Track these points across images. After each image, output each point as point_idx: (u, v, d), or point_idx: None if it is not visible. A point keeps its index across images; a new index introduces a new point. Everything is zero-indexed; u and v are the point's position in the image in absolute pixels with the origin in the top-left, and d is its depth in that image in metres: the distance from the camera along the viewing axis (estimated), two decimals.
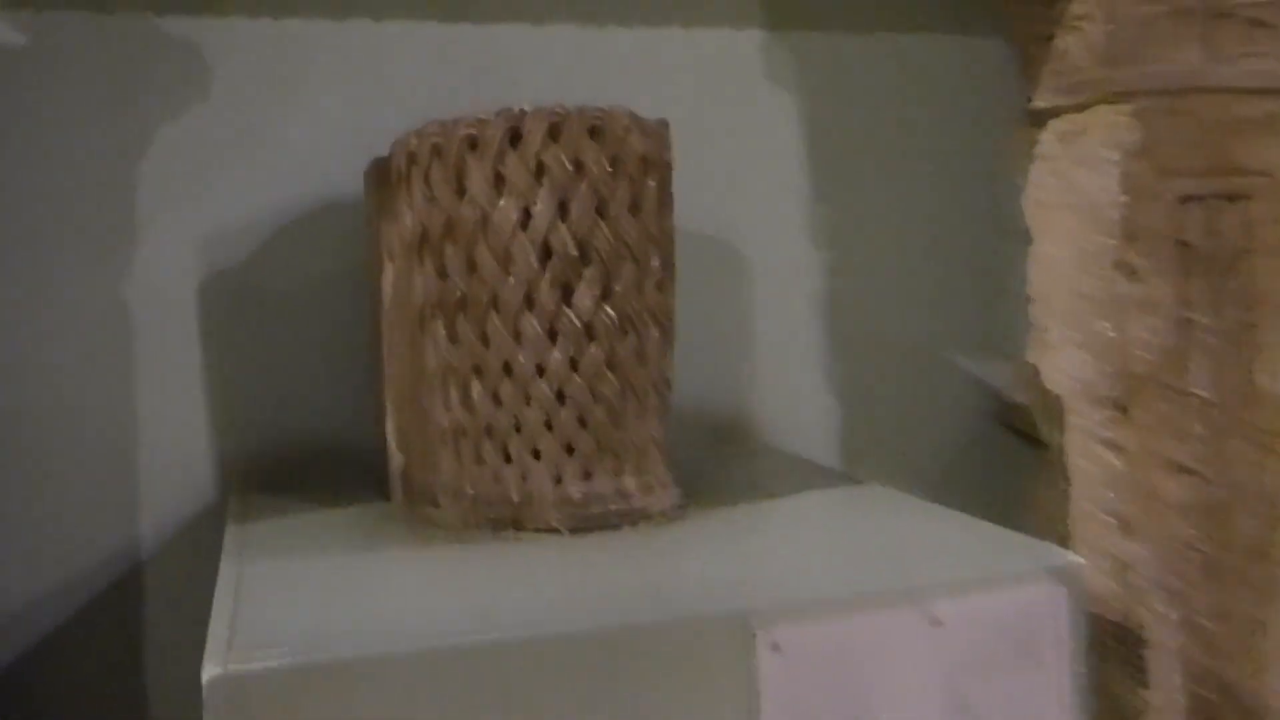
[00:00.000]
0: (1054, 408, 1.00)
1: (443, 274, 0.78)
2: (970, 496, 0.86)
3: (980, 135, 1.11)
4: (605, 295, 0.77)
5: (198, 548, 0.91)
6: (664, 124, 0.83)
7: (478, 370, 0.77)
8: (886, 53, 1.11)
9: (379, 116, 0.88)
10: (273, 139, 0.96)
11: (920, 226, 1.12)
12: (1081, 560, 0.69)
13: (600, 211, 0.77)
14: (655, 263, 0.80)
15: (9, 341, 0.91)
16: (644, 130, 0.79)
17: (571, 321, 0.76)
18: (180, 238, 0.95)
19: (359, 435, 0.94)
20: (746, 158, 1.08)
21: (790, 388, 1.09)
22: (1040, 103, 1.00)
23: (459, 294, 0.77)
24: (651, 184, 0.79)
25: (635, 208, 0.78)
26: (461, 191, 0.76)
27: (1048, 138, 1.00)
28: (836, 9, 1.09)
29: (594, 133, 0.76)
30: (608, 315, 0.77)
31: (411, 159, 0.79)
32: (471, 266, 0.77)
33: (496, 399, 0.77)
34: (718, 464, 1.00)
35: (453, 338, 0.78)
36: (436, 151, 0.77)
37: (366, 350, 0.94)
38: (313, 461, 0.97)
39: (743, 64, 1.07)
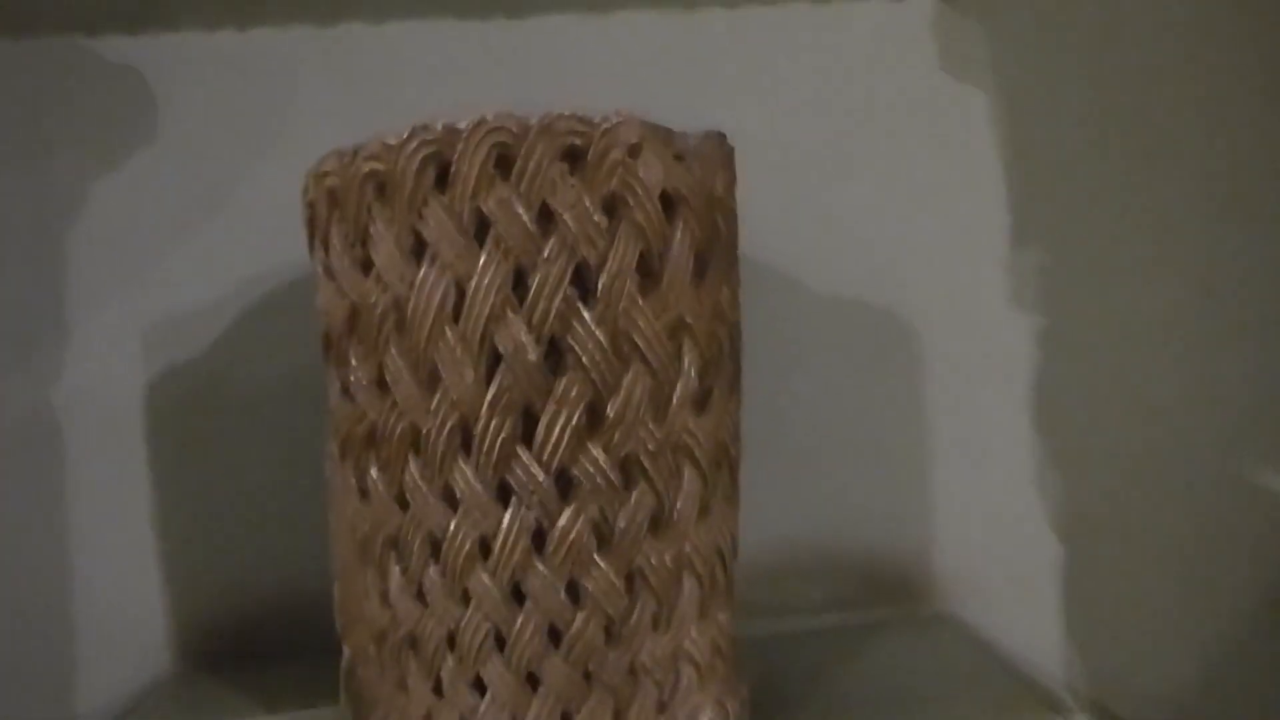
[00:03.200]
0: None
1: (346, 391, 0.49)
2: None
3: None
4: (592, 426, 0.47)
5: None
6: (716, 138, 0.52)
7: (393, 545, 0.49)
8: (1134, 16, 0.75)
9: None
10: (239, 191, 0.71)
11: (1190, 281, 0.75)
12: None
13: (584, 286, 0.47)
14: (690, 364, 0.48)
15: None
16: (668, 149, 0.48)
17: (530, 471, 0.46)
18: (122, 326, 0.71)
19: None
20: (911, 185, 0.74)
21: (982, 529, 0.74)
22: None
23: (367, 424, 0.49)
24: (683, 236, 0.48)
25: (651, 276, 0.47)
26: (367, 262, 0.48)
27: None
28: None
29: (572, 157, 0.46)
30: (595, 459, 0.46)
31: (311, 212, 0.51)
32: (380, 381, 0.48)
33: (420, 593, 0.48)
34: (860, 641, 0.67)
35: (362, 491, 0.50)
36: (333, 199, 0.49)
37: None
38: (275, 621, 0.70)
39: (899, 46, 0.74)
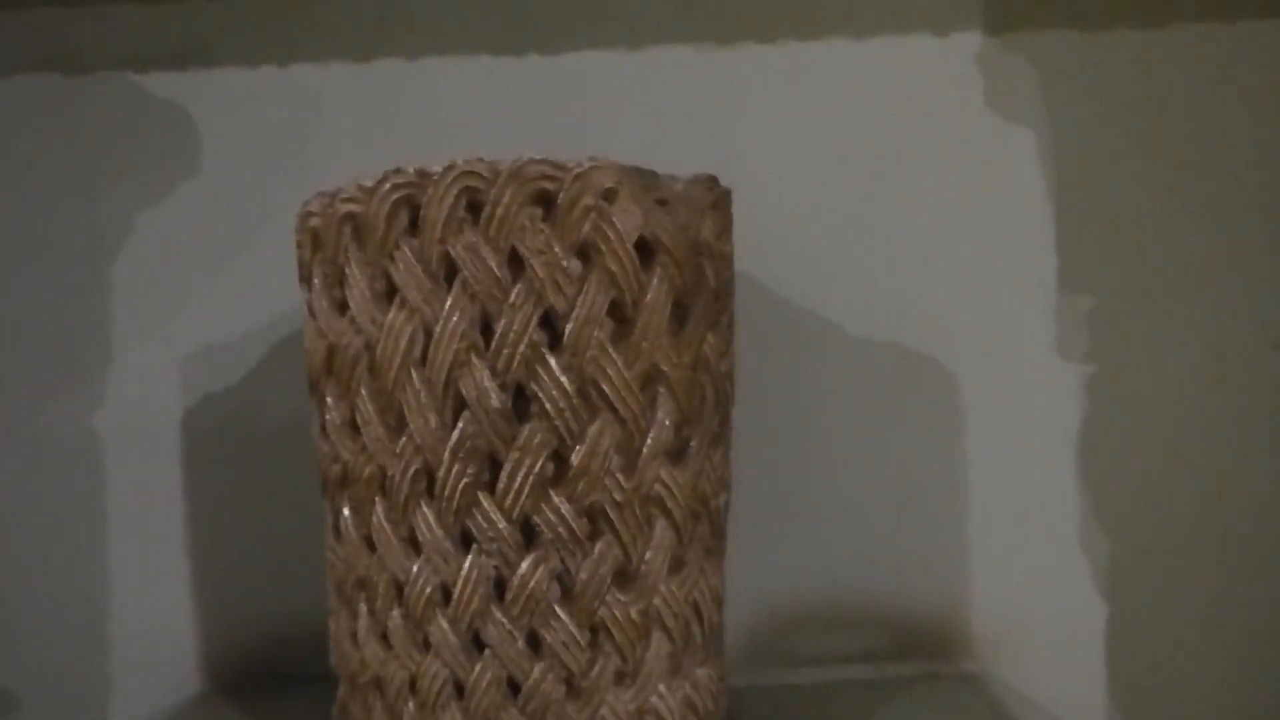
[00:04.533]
0: None
1: (324, 431, 0.50)
2: None
3: None
4: (557, 475, 0.46)
5: None
6: (705, 182, 0.50)
7: (362, 587, 0.48)
8: (1188, 51, 0.71)
9: None
10: (277, 224, 0.72)
11: (1244, 330, 0.70)
12: None
13: (553, 333, 0.46)
14: (664, 414, 0.47)
15: None
16: (648, 194, 0.47)
17: (491, 518, 0.45)
18: (163, 355, 0.73)
19: None
20: (955, 226, 0.72)
21: (1022, 585, 0.71)
22: None
23: (340, 465, 0.49)
24: (661, 283, 0.47)
25: (624, 324, 0.47)
26: (344, 303, 0.48)
27: None
28: (1088, 1, 0.71)
29: (545, 202, 0.46)
30: (557, 509, 0.46)
31: (299, 251, 0.52)
32: (353, 423, 0.48)
33: (385, 636, 0.48)
34: (892, 695, 0.65)
35: (336, 531, 0.50)
36: (316, 239, 0.50)
37: None
38: (301, 647, 0.71)
39: (944, 83, 0.72)
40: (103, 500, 0.73)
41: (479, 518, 0.45)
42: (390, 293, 0.47)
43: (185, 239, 0.73)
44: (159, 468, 0.73)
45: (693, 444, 0.49)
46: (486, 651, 0.46)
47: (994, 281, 0.71)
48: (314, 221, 0.49)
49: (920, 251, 0.71)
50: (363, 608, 0.48)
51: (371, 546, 0.48)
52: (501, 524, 0.45)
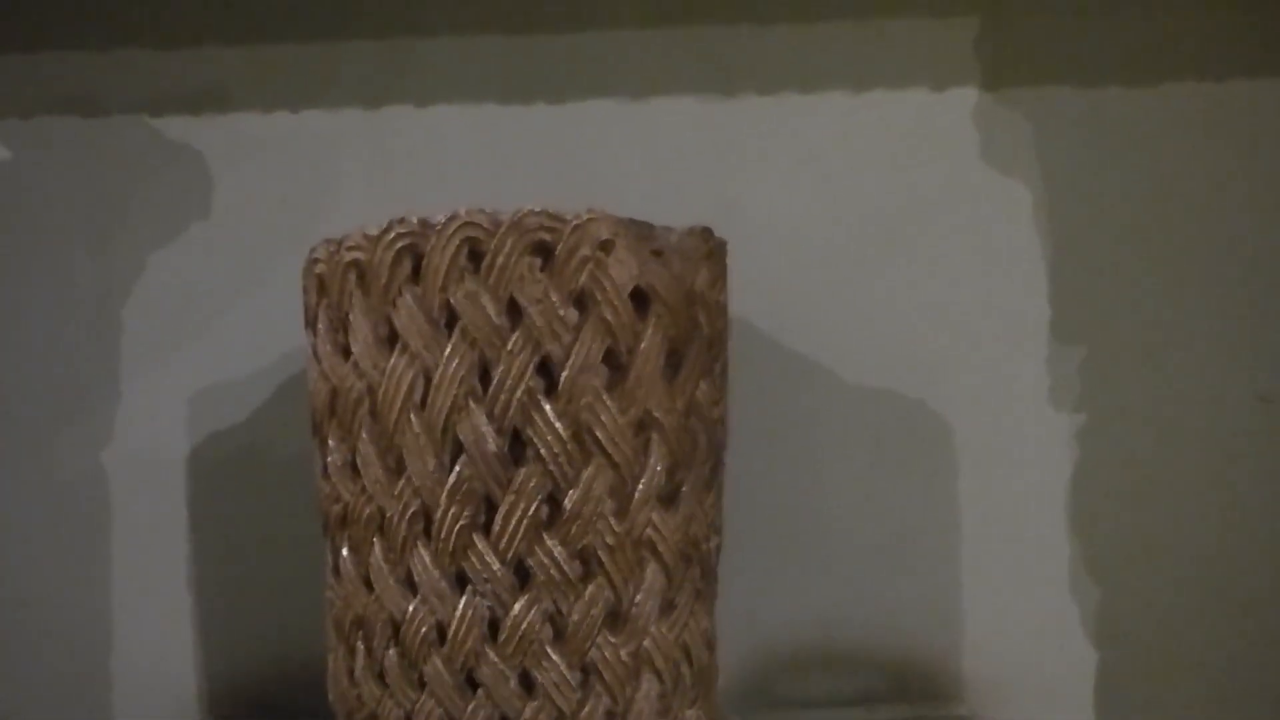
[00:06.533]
0: None
1: (325, 471, 0.51)
2: None
3: None
4: (551, 519, 0.47)
5: None
6: (700, 234, 0.52)
7: (360, 625, 0.50)
8: (1183, 109, 0.73)
9: None
10: (285, 267, 0.74)
11: (1234, 382, 0.72)
12: None
13: (549, 379, 0.47)
14: (657, 460, 0.48)
15: None
16: (644, 245, 0.49)
17: (486, 560, 0.47)
18: (170, 393, 0.74)
19: None
20: (950, 278, 0.73)
21: (1014, 632, 0.72)
22: None
23: (341, 506, 0.50)
24: (655, 332, 0.49)
25: (619, 371, 0.48)
26: (347, 348, 0.50)
27: None
28: (1081, 57, 0.73)
29: (544, 252, 0.47)
30: (550, 551, 0.47)
31: (305, 296, 0.53)
32: (354, 464, 0.49)
33: (381, 675, 0.49)
34: None
35: (336, 570, 0.51)
36: (321, 286, 0.51)
37: None
38: (301, 683, 0.71)
39: (940, 137, 0.73)
40: (108, 535, 0.74)
41: (474, 559, 0.47)
42: (392, 339, 0.48)
43: (194, 280, 0.74)
44: (165, 504, 0.74)
45: (685, 489, 0.50)
46: (480, 691, 0.47)
47: (988, 332, 0.72)
48: (320, 268, 0.51)
49: (915, 301, 0.73)
50: (360, 646, 0.49)
51: (370, 586, 0.49)
52: (496, 565, 0.46)
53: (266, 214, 0.75)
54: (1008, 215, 0.73)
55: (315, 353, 0.51)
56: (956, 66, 0.73)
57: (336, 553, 0.50)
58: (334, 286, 0.50)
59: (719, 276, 0.53)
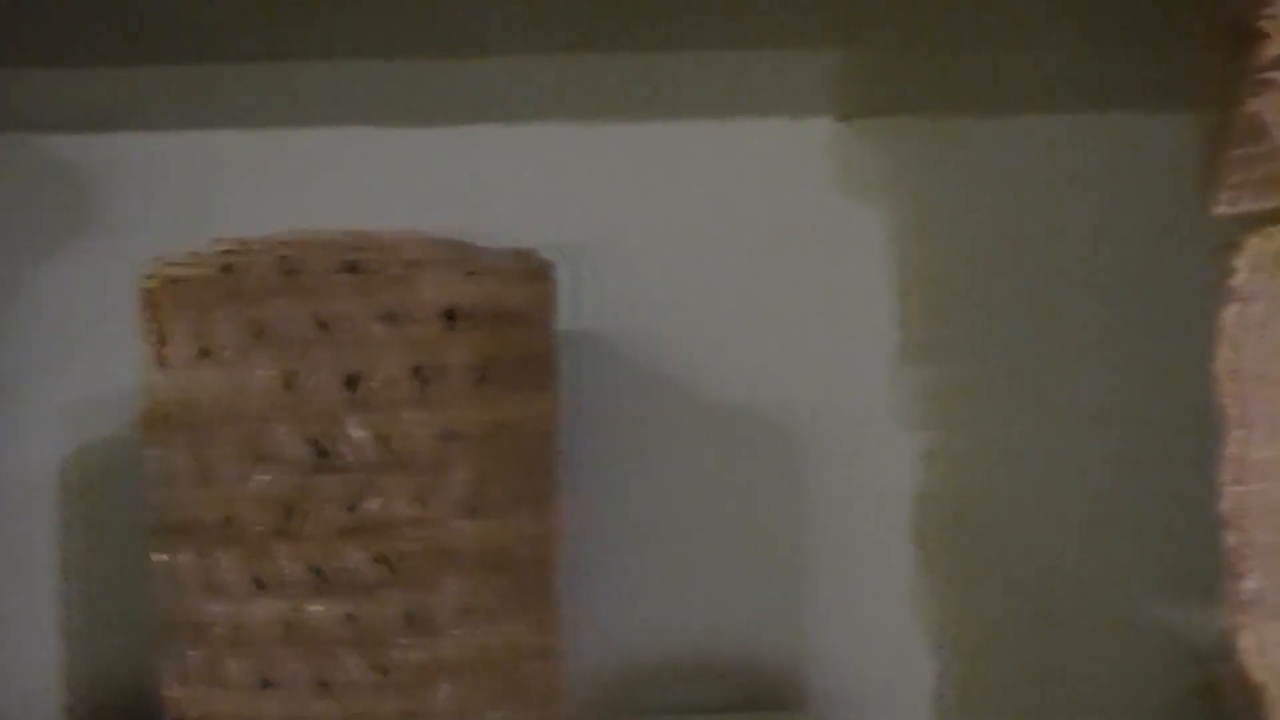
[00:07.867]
0: (1256, 699, 0.60)
1: (152, 483, 0.53)
2: None
3: (1176, 255, 0.73)
4: (352, 526, 0.49)
5: None
6: (525, 255, 0.54)
7: (178, 629, 0.52)
8: (1029, 140, 0.75)
9: None
10: None
11: (1079, 406, 0.74)
12: None
13: (355, 392, 0.49)
14: (461, 471, 0.51)
15: None
16: (458, 264, 0.51)
17: (286, 565, 0.49)
18: (44, 408, 0.76)
19: None
20: (804, 299, 0.75)
21: (857, 643, 0.74)
22: (1226, 208, 0.61)
23: (163, 513, 0.52)
24: (463, 349, 0.51)
25: (426, 385, 0.50)
26: (165, 360, 0.52)
27: (1243, 264, 0.61)
28: (933, 90, 0.75)
29: (355, 270, 0.50)
30: (349, 556, 0.49)
31: (137, 310, 0.56)
32: (172, 473, 0.51)
33: (188, 675, 0.51)
34: None
35: (165, 577, 0.53)
36: (149, 300, 0.53)
37: None
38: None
39: (797, 164, 0.76)
40: None
41: (274, 563, 0.49)
42: (208, 352, 0.50)
43: (71, 296, 0.76)
44: (40, 519, 0.76)
45: (493, 499, 0.52)
46: (276, 690, 0.49)
47: (839, 352, 0.75)
48: (149, 283, 0.53)
49: (771, 321, 0.75)
50: (183, 649, 0.51)
51: (186, 591, 0.51)
52: (295, 570, 0.48)
53: (148, 233, 0.76)
54: (860, 240, 0.75)
55: (145, 365, 0.54)
56: (814, 97, 0.76)
57: (160, 559, 0.52)
58: (158, 301, 0.52)
59: (543, 295, 0.56)
